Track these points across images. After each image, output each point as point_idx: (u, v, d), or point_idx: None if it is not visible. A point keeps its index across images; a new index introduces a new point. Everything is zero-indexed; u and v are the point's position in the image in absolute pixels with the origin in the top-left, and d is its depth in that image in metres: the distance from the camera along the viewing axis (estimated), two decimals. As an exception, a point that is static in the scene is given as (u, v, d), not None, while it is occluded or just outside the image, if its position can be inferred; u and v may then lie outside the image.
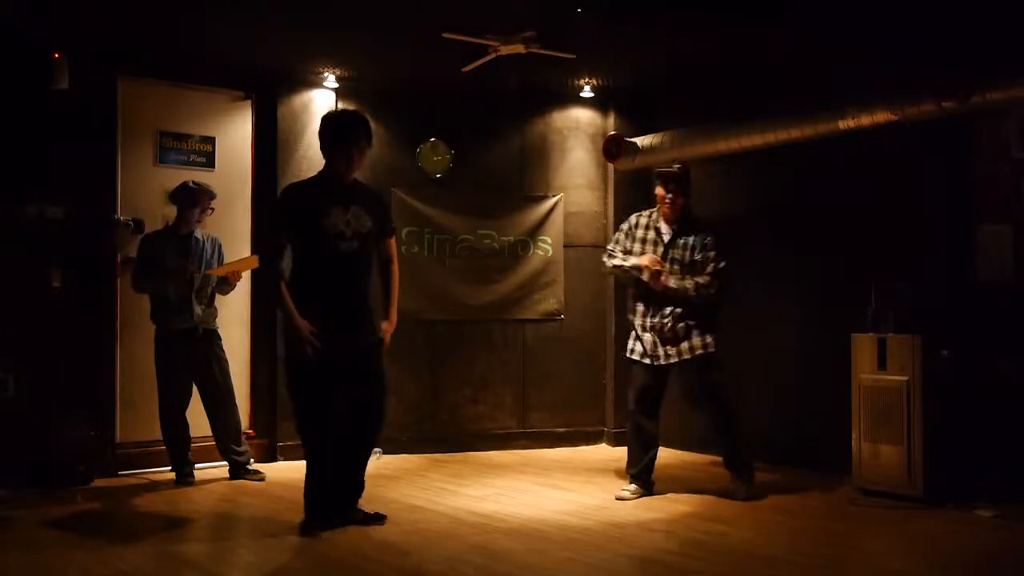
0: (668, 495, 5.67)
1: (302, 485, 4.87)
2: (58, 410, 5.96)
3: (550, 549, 4.51)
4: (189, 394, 6.16)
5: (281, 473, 6.40)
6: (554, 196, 7.66)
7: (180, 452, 6.11)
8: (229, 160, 6.91)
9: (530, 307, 7.53)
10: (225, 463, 6.26)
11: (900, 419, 5.43)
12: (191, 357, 6.08)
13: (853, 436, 5.65)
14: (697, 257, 5.57)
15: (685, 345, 5.55)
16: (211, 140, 6.85)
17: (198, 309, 6.05)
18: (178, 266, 5.98)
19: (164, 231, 6.15)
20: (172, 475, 6.15)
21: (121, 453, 6.32)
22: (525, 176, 7.64)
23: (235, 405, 6.26)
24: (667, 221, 5.69)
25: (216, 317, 6.23)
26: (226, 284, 6.14)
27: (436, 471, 6.55)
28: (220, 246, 6.28)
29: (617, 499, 5.55)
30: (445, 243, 7.37)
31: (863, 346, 5.65)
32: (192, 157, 6.76)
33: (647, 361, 5.62)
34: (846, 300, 5.97)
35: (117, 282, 6.38)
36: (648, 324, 5.60)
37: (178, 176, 6.68)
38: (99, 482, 5.99)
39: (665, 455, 7.25)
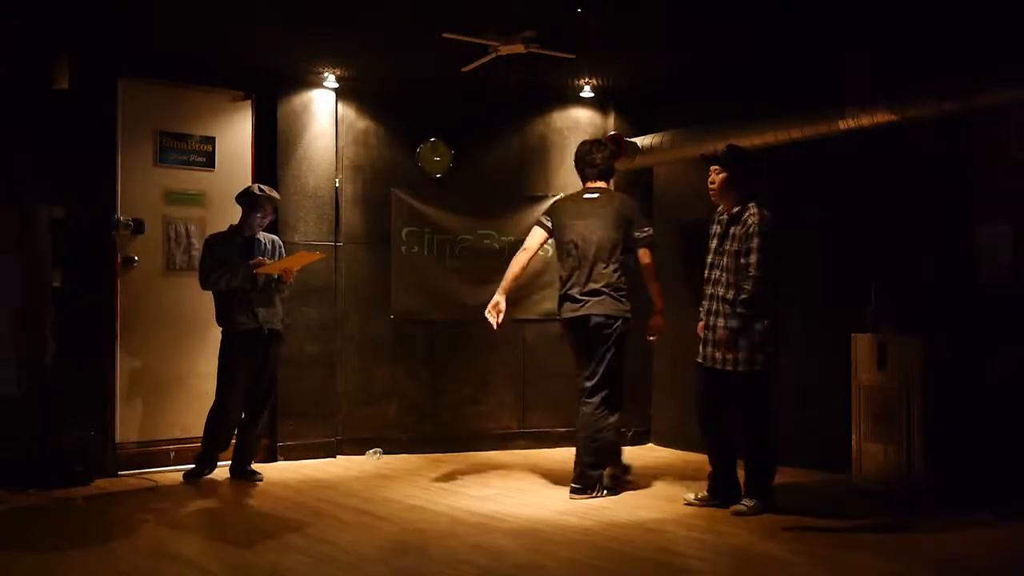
0: (668, 495, 5.67)
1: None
2: (58, 410, 5.96)
3: (550, 549, 4.51)
4: (243, 398, 6.19)
5: (281, 473, 6.40)
6: (554, 196, 7.63)
7: (213, 453, 6.12)
8: (229, 160, 6.91)
9: (530, 307, 7.52)
10: (225, 463, 6.26)
11: (900, 419, 5.43)
12: (256, 358, 6.10)
13: (853, 436, 5.65)
14: (741, 247, 5.16)
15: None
16: (211, 140, 6.85)
17: (261, 310, 6.06)
18: (246, 268, 5.99)
19: (228, 232, 6.16)
20: (172, 475, 6.16)
21: (121, 453, 6.32)
22: (525, 176, 7.64)
23: (264, 414, 6.29)
24: (724, 210, 5.34)
25: (280, 317, 6.24)
26: (281, 283, 6.15)
27: (436, 471, 6.55)
28: (281, 246, 6.32)
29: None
30: (445, 243, 7.37)
31: (863, 346, 5.66)
32: (192, 157, 6.76)
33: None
34: (846, 300, 5.97)
35: (117, 282, 6.37)
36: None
37: (178, 176, 6.71)
38: (99, 482, 5.98)
39: (665, 455, 7.27)
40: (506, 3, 5.58)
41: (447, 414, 7.38)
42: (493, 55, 6.09)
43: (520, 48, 5.97)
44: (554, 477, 6.31)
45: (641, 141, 7.16)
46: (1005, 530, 4.89)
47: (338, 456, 7.03)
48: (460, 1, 5.52)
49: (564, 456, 7.17)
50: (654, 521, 5.07)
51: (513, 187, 7.60)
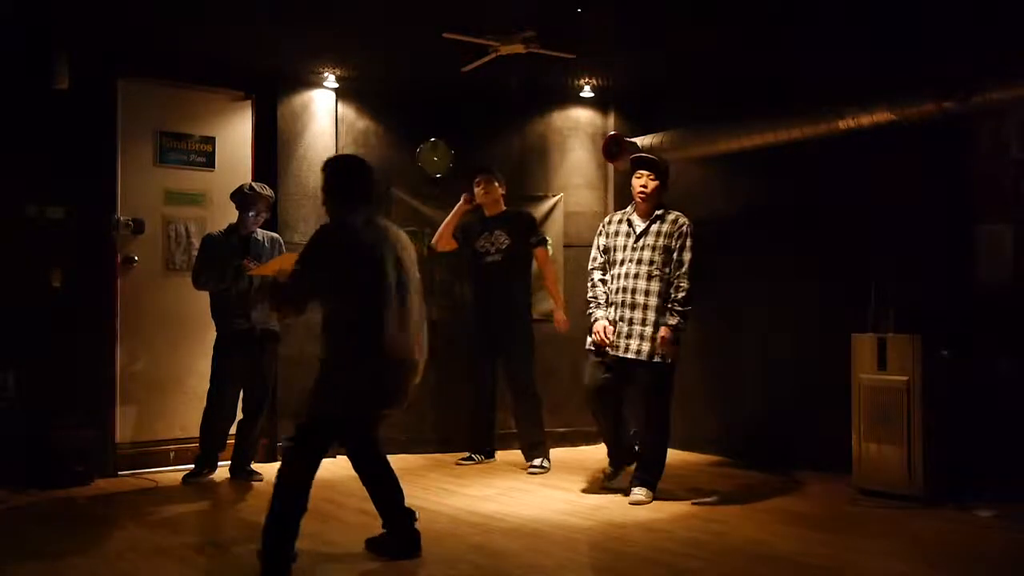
0: (668, 495, 5.66)
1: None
2: (58, 410, 5.96)
3: (550, 549, 4.51)
4: (238, 398, 6.19)
5: (281, 473, 6.39)
6: (554, 196, 7.66)
7: (210, 453, 6.12)
8: (229, 160, 6.91)
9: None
10: (225, 463, 6.25)
11: (900, 419, 5.43)
12: (249, 358, 6.10)
13: (853, 436, 5.65)
14: (672, 244, 5.50)
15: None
16: (211, 140, 6.85)
17: (255, 310, 6.06)
18: (235, 266, 5.98)
19: (226, 231, 6.15)
20: (172, 475, 6.16)
21: (121, 453, 6.32)
22: (525, 176, 7.63)
23: (263, 415, 6.27)
24: (640, 213, 5.65)
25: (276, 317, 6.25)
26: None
27: (436, 471, 6.55)
28: (281, 244, 6.30)
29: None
30: (445, 243, 7.35)
31: (863, 346, 5.65)
32: (192, 157, 6.77)
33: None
34: (846, 300, 5.97)
35: (117, 282, 6.38)
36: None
37: (178, 176, 6.71)
38: (99, 482, 5.98)
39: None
40: (506, 3, 5.58)
41: (447, 414, 7.37)
42: (493, 55, 6.09)
43: (520, 48, 5.97)
44: (554, 477, 6.31)
45: (641, 141, 7.16)
46: (1005, 530, 4.89)
47: (338, 456, 7.01)
48: (460, 1, 5.52)
49: (563, 456, 7.17)
50: (654, 521, 5.07)
51: (513, 187, 7.58)
